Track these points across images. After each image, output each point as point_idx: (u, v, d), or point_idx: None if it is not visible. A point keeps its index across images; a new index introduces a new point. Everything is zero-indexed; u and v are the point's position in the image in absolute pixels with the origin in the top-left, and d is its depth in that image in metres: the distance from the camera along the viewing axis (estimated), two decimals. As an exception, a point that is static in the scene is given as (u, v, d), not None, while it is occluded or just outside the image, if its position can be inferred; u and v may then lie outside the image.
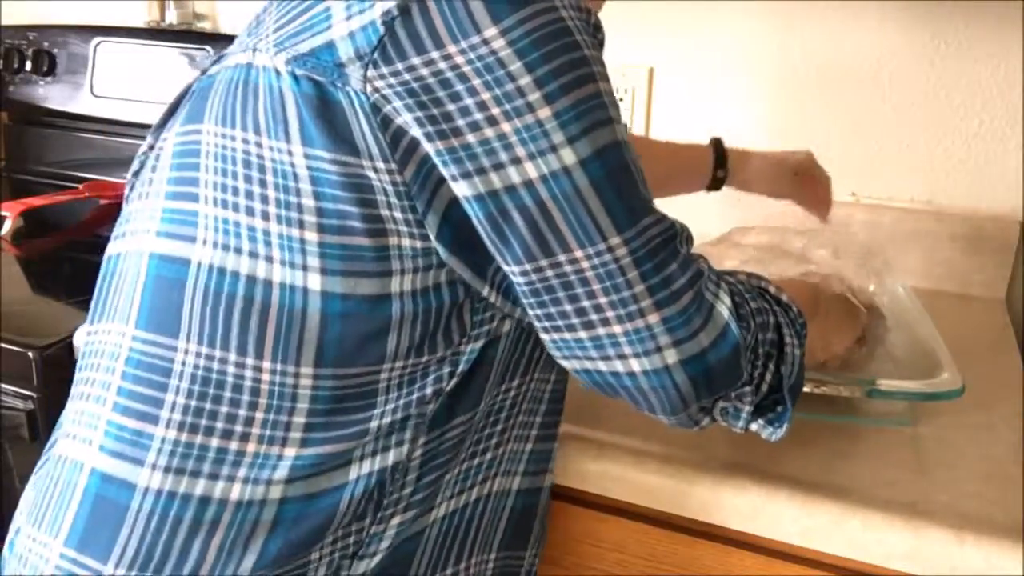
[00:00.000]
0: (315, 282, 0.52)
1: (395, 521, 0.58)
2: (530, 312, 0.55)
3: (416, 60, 0.49)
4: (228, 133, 0.54)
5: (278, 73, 0.53)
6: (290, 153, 0.51)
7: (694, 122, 1.22)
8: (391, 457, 0.56)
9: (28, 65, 1.46)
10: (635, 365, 0.54)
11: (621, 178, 0.51)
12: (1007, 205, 1.09)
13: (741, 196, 1.06)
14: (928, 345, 0.80)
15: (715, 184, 1.04)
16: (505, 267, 0.54)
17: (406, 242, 0.52)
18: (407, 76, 0.49)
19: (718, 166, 1.03)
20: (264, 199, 0.52)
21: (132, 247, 0.59)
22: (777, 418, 0.62)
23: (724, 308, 0.55)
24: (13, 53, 1.47)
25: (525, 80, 0.48)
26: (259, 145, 0.52)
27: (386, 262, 0.52)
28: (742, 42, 1.16)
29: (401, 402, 0.55)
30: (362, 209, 0.51)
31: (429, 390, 0.56)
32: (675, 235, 0.54)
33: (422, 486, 0.58)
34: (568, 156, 0.49)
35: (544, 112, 0.49)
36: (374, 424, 0.55)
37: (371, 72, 0.49)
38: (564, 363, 0.58)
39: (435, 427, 0.57)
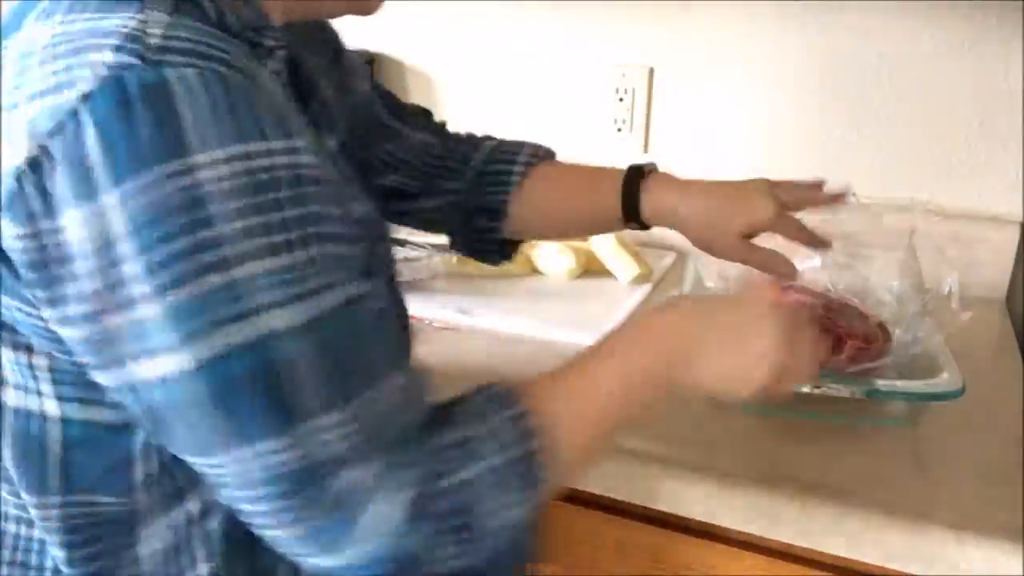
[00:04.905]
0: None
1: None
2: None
3: (43, 224, 0.43)
4: None
5: None
6: None
7: (694, 122, 1.22)
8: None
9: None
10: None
11: (247, 384, 0.43)
12: (1007, 205, 1.09)
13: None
14: (928, 345, 0.80)
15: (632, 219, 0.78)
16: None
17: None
18: (30, 243, 0.44)
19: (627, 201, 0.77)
20: None
21: None
22: None
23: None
24: (13, 53, 1.47)
25: (133, 268, 0.42)
26: None
27: None
28: (742, 42, 1.16)
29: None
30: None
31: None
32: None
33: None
34: (181, 362, 0.42)
35: (150, 309, 0.42)
36: None
37: (5, 223, 0.44)
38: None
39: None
